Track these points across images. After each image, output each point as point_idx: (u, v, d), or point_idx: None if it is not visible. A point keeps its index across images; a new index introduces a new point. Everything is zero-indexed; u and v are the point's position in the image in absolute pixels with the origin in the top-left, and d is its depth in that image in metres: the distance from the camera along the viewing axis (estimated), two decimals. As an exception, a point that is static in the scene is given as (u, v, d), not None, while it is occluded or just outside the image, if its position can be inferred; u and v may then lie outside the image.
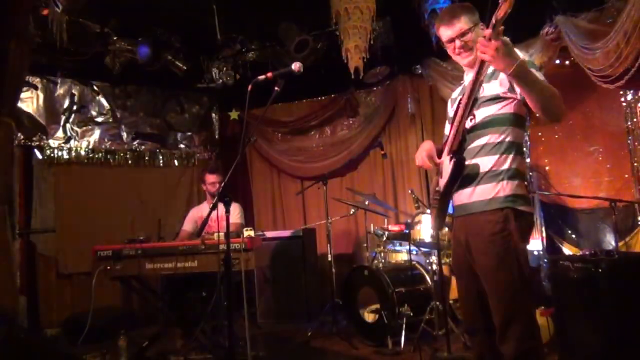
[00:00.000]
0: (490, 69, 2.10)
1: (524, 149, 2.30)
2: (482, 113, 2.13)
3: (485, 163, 2.11)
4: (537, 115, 2.02)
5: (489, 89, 2.12)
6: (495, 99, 2.11)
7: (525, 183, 2.17)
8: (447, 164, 2.19)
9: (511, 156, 2.10)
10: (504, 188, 2.08)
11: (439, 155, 2.31)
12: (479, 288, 2.17)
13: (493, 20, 1.82)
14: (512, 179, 2.09)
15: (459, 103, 2.16)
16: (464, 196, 2.18)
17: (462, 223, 2.22)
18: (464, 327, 2.40)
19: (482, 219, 2.10)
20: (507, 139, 2.10)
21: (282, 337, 4.62)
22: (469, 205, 2.16)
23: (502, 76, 2.08)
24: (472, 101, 2.07)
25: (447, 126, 2.41)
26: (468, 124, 2.15)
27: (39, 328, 5.03)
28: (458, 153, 2.13)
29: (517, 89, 2.03)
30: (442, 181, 2.24)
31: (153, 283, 4.52)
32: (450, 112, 2.38)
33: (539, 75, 1.99)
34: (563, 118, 2.04)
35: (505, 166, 2.09)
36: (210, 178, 4.56)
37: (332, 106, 6.14)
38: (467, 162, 2.13)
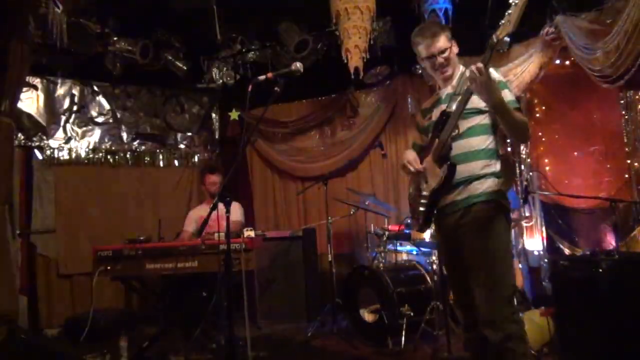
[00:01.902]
0: None
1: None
2: (465, 124, 2.31)
3: (474, 166, 2.30)
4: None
5: (471, 102, 2.25)
6: (477, 112, 2.31)
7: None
8: (434, 170, 2.34)
9: (494, 161, 2.33)
10: (492, 184, 2.30)
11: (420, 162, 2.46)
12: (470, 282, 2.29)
13: (494, 39, 2.02)
14: (498, 178, 2.32)
15: (442, 115, 2.31)
16: (453, 195, 2.33)
17: (451, 217, 2.35)
18: (462, 322, 2.50)
19: (475, 209, 2.28)
20: (490, 146, 2.32)
21: (282, 337, 4.62)
22: (460, 201, 2.31)
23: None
24: (460, 114, 2.25)
25: (416, 136, 2.68)
26: (452, 133, 2.31)
27: (39, 328, 5.03)
28: (449, 159, 2.28)
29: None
30: (429, 185, 2.38)
31: (153, 283, 4.52)
32: (424, 122, 2.56)
33: (509, 97, 2.26)
34: (527, 142, 2.31)
35: (492, 169, 2.32)
36: (211, 178, 4.55)
37: (332, 106, 6.13)
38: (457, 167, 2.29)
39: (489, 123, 2.32)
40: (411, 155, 2.45)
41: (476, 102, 2.25)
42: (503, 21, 1.97)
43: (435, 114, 2.40)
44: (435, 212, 2.41)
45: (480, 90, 2.09)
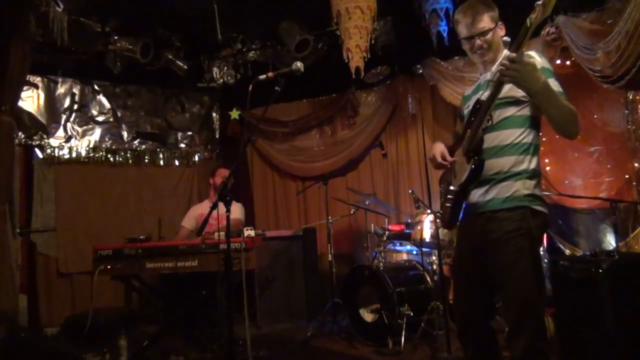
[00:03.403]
0: None
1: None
2: (499, 114, 2.14)
3: (504, 163, 2.12)
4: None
5: (507, 91, 2.10)
6: (515, 102, 2.13)
7: (542, 183, 2.20)
8: (463, 164, 2.19)
9: (529, 157, 2.12)
10: (522, 187, 2.10)
11: (451, 154, 2.30)
12: (482, 288, 2.19)
13: (528, 23, 1.83)
14: (530, 179, 2.11)
15: (476, 104, 2.16)
16: (479, 194, 2.18)
17: (476, 220, 2.20)
18: (458, 327, 2.36)
19: (500, 216, 2.11)
20: (525, 140, 2.12)
21: (282, 337, 4.62)
22: (486, 203, 2.16)
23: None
24: (492, 104, 2.08)
25: (458, 124, 2.43)
26: (485, 124, 2.14)
27: (39, 327, 5.03)
28: (477, 153, 2.13)
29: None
30: (457, 180, 2.23)
31: (153, 282, 4.52)
32: (464, 110, 2.39)
33: (556, 87, 2.04)
34: (576, 137, 2.08)
35: (524, 166, 2.11)
36: (224, 171, 4.65)
37: (333, 106, 6.14)
38: (486, 162, 2.13)
39: (528, 115, 2.12)
40: (438, 148, 2.30)
41: (514, 90, 2.08)
42: (539, 2, 1.76)
43: (472, 102, 2.24)
44: (463, 209, 2.26)
45: (515, 81, 1.91)
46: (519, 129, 2.12)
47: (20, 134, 5.12)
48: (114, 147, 5.79)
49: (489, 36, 2.16)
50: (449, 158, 2.27)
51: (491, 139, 2.14)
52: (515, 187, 2.10)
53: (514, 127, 2.12)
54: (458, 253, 2.39)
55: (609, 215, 4.13)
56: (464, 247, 2.31)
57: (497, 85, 2.01)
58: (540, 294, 2.08)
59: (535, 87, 1.90)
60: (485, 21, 2.15)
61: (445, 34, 4.63)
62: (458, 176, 2.23)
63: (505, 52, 2.20)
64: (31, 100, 5.23)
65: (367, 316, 4.21)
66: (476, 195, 2.19)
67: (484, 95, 2.11)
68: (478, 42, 2.17)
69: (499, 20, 2.19)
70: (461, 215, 2.29)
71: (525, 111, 2.12)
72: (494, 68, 2.18)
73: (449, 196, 2.28)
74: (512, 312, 2.07)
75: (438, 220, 3.85)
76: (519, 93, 2.08)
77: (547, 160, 4.97)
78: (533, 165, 2.12)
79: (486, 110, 2.08)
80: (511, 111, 2.13)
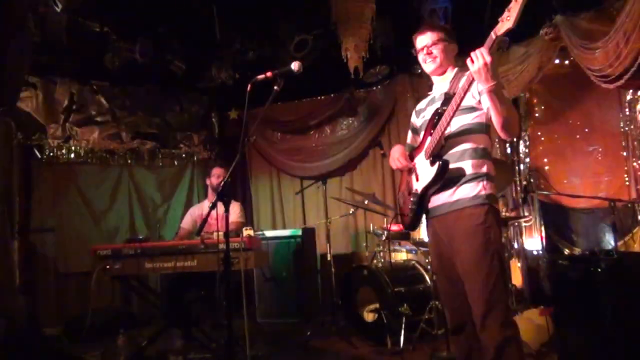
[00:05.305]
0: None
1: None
2: (457, 122, 2.28)
3: (466, 167, 2.27)
4: (497, 130, 2.21)
5: (465, 100, 2.23)
6: (470, 109, 2.29)
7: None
8: (426, 168, 2.33)
9: (485, 160, 2.30)
10: (484, 187, 2.26)
11: (410, 159, 2.46)
12: (462, 283, 2.27)
13: (493, 36, 1.96)
14: (489, 181, 2.29)
15: (435, 114, 2.30)
16: (445, 196, 2.31)
17: (443, 221, 2.34)
18: (450, 326, 2.44)
19: (466, 213, 2.25)
20: (482, 146, 2.30)
21: (281, 337, 4.62)
22: (452, 203, 2.29)
23: (474, 89, 2.25)
24: (454, 113, 2.22)
25: (410, 135, 2.65)
26: (446, 131, 2.28)
27: (38, 327, 5.02)
28: (440, 157, 2.27)
29: (485, 103, 2.21)
30: (420, 183, 2.38)
31: (152, 282, 4.52)
32: (418, 121, 2.57)
33: (507, 94, 2.21)
34: (516, 136, 2.24)
35: (483, 169, 2.29)
36: (218, 171, 4.60)
37: (332, 106, 6.14)
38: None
39: (483, 122, 2.29)
40: (398, 152, 2.46)
41: (469, 100, 2.25)
42: (502, 17, 1.91)
43: (429, 113, 2.40)
44: (426, 211, 2.40)
45: (479, 73, 2.02)
46: (476, 136, 2.29)
47: (18, 134, 5.11)
48: (112, 147, 5.78)
49: (434, 47, 2.37)
50: (407, 162, 2.43)
51: (451, 145, 2.29)
52: (479, 188, 2.26)
53: (472, 134, 2.29)
54: (435, 256, 2.48)
55: (607, 214, 4.14)
56: (439, 248, 2.42)
57: (461, 94, 2.15)
58: (504, 285, 2.23)
59: (491, 84, 2.04)
60: (435, 35, 2.37)
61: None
62: (421, 180, 2.37)
63: (456, 69, 2.40)
64: (30, 101, 5.22)
65: (366, 316, 4.21)
66: (443, 197, 2.32)
67: (445, 105, 2.26)
68: (425, 50, 2.39)
69: (453, 43, 2.41)
70: (425, 217, 2.45)
71: (480, 118, 2.29)
72: (448, 82, 2.38)
73: (412, 198, 2.42)
74: (478, 305, 2.18)
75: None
76: (473, 101, 2.27)
77: (546, 160, 4.98)
78: (489, 168, 2.30)
79: (449, 118, 2.21)
80: (468, 119, 2.29)
